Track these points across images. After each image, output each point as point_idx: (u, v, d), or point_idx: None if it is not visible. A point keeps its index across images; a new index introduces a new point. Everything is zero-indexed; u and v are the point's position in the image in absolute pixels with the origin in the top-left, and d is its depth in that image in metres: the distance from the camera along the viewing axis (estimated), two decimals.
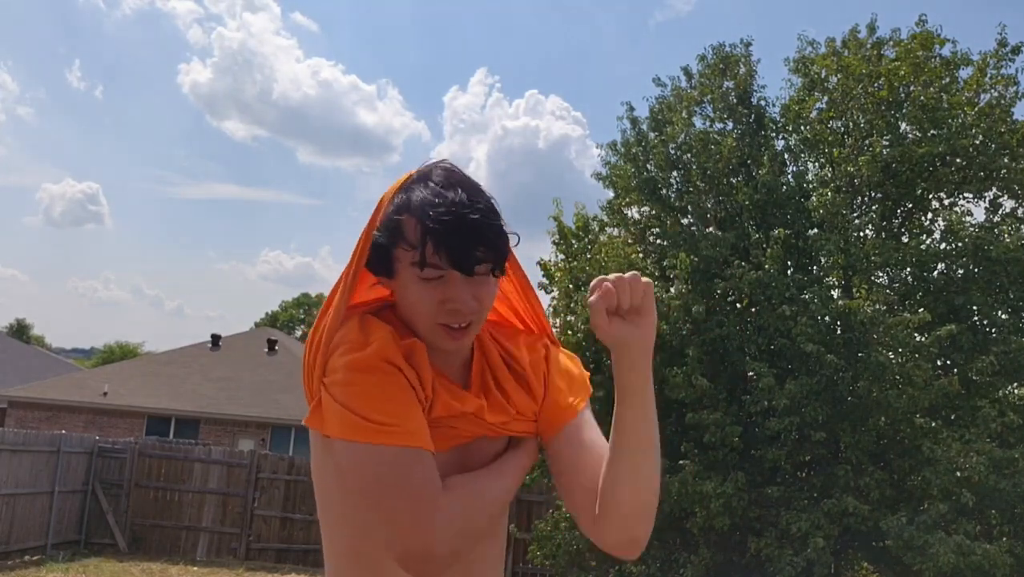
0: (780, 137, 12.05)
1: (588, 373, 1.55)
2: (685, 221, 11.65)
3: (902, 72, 10.71)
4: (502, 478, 1.38)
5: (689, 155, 11.53)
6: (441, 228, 1.27)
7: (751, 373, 10.36)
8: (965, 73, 11.09)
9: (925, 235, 11.08)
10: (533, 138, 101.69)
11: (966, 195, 11.09)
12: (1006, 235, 10.60)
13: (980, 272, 10.43)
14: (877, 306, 9.90)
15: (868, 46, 11.42)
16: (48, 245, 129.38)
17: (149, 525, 14.77)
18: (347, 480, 1.32)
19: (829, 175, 11.20)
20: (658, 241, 11.80)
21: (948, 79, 10.86)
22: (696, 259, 10.45)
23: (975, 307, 10.40)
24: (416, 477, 1.25)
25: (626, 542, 1.34)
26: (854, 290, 10.50)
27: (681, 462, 9.84)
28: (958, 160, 10.80)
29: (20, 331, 54.02)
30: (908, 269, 10.82)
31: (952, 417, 10.21)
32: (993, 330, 10.45)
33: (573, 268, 11.15)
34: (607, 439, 1.36)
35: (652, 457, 1.32)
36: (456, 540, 1.26)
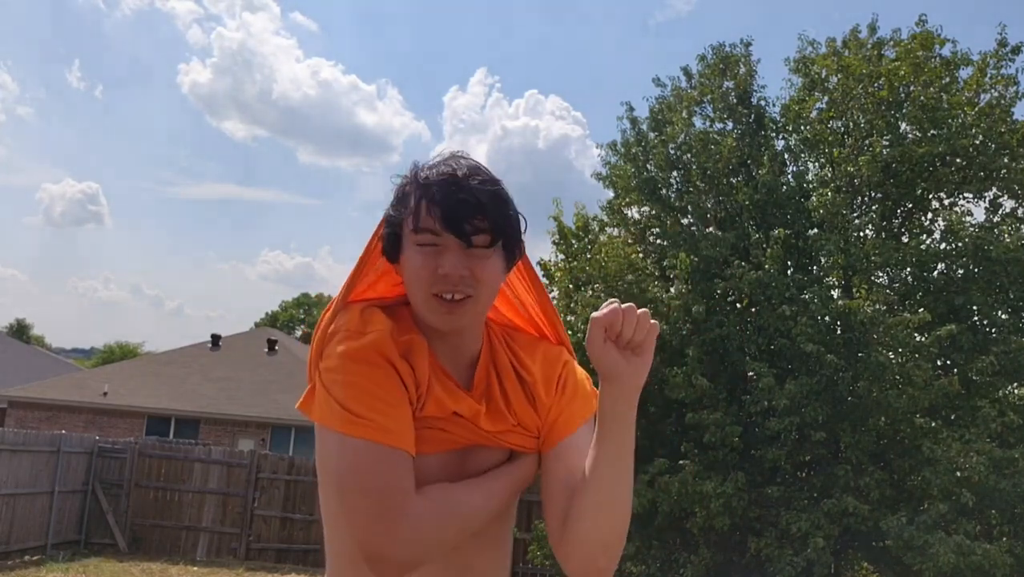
0: (780, 137, 12.07)
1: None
2: (685, 221, 11.66)
3: (902, 72, 10.72)
4: (485, 493, 1.33)
5: (689, 155, 11.55)
6: (435, 187, 1.27)
7: (751, 373, 10.37)
8: (965, 73, 11.12)
9: (925, 235, 11.09)
10: (533, 138, 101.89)
11: (966, 195, 11.10)
12: (1006, 235, 10.62)
13: (980, 272, 10.44)
14: (877, 306, 9.90)
15: (868, 46, 11.44)
16: (48, 245, 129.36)
17: (149, 525, 14.76)
18: (321, 467, 1.32)
19: (829, 175, 11.21)
20: (658, 241, 11.82)
21: (948, 79, 10.88)
22: (696, 259, 10.46)
23: (975, 307, 10.41)
24: (382, 476, 1.22)
25: (591, 572, 1.31)
26: (854, 290, 10.51)
27: (681, 462, 9.85)
28: (958, 160, 10.81)
29: (20, 331, 53.95)
30: (908, 269, 10.83)
31: (952, 417, 10.22)
32: (993, 330, 10.46)
33: (573, 268, 11.14)
34: None
35: (621, 494, 1.28)
36: (419, 548, 1.22)
